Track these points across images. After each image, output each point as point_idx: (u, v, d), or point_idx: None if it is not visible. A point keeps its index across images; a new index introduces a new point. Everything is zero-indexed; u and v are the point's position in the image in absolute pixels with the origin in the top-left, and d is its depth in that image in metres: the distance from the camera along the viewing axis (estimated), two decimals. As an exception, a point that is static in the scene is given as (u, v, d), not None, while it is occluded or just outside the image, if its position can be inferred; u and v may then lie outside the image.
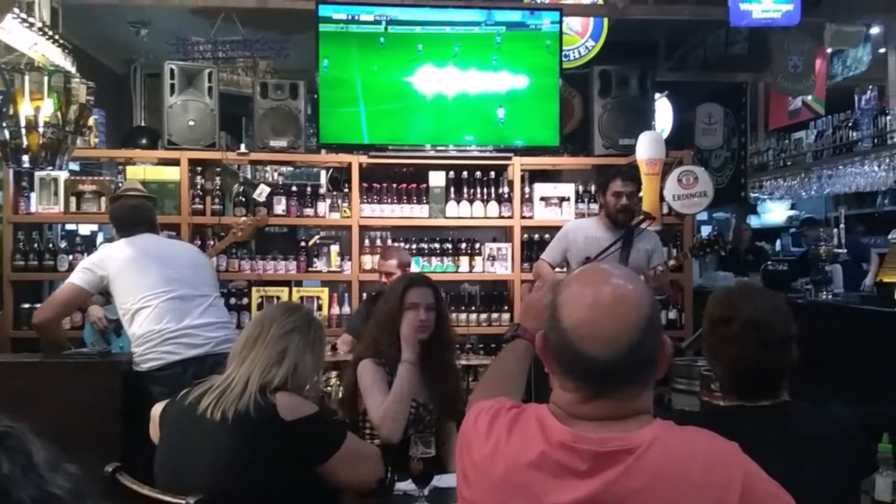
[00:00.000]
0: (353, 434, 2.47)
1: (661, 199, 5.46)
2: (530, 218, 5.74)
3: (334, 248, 5.67)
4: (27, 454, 0.92)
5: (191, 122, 5.49)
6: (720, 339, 1.94)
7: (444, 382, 3.03)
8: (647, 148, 5.41)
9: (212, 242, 5.25)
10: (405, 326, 2.93)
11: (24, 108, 3.86)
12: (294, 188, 5.71)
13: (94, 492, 0.97)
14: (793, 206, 10.99)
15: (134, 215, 4.02)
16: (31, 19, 4.24)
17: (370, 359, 2.98)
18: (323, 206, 5.63)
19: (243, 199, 5.61)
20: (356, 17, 5.61)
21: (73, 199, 5.41)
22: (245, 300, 5.49)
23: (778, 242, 11.27)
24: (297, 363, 2.25)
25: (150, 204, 4.26)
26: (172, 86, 5.51)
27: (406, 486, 2.37)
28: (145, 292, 3.68)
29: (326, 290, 5.70)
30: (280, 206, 5.59)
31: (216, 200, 5.60)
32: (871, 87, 6.92)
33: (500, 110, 5.72)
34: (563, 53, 6.04)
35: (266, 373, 2.20)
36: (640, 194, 5.04)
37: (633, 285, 1.39)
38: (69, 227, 6.19)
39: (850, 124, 7.05)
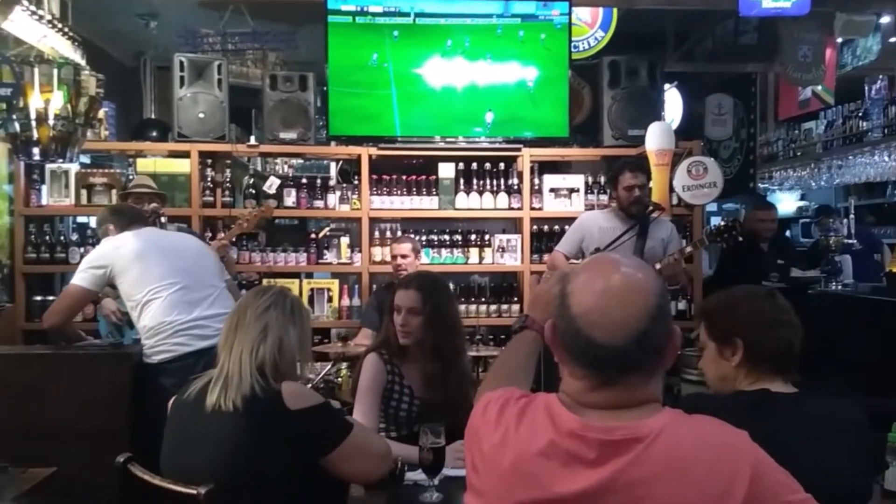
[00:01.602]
0: (365, 428, 2.45)
1: (671, 189, 5.44)
2: (540, 209, 5.73)
3: (344, 240, 5.68)
4: None
5: (201, 115, 5.50)
6: (779, 308, 1.95)
7: (450, 394, 2.85)
8: (656, 139, 5.39)
9: (222, 235, 5.27)
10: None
11: (34, 101, 3.86)
12: (304, 180, 5.72)
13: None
14: (802, 197, 10.92)
15: (135, 212, 4.07)
16: (40, 12, 4.24)
17: (375, 353, 2.96)
18: (333, 198, 5.63)
19: (253, 192, 5.62)
20: (365, 9, 5.59)
21: (83, 192, 5.44)
22: (256, 292, 5.48)
23: (787, 233, 11.21)
24: (281, 337, 2.25)
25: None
26: (182, 78, 5.53)
27: (416, 475, 2.37)
28: (154, 284, 3.67)
29: (337, 281, 5.71)
30: (290, 198, 5.60)
31: (226, 193, 5.61)
32: (881, 76, 6.87)
33: (488, 114, 5.67)
34: (573, 44, 6.01)
35: (255, 353, 2.19)
36: (650, 184, 5.02)
37: (642, 274, 1.39)
38: (80, 219, 6.19)
39: (860, 114, 7.00)
